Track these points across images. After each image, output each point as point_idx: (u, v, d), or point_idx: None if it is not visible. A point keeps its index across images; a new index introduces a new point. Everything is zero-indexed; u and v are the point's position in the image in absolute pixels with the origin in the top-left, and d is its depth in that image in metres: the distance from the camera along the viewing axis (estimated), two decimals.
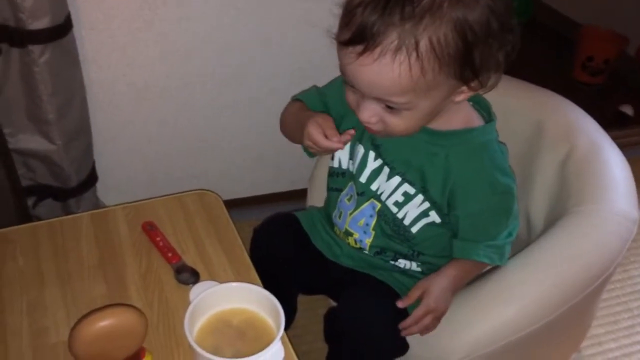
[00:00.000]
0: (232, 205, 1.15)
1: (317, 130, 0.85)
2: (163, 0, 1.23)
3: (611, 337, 1.42)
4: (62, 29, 1.10)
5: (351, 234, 0.98)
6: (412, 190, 0.90)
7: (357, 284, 0.96)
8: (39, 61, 1.09)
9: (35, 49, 1.08)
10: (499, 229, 0.90)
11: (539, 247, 0.93)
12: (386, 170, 0.91)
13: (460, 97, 0.80)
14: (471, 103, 0.89)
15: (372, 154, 0.92)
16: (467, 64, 0.73)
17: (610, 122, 2.14)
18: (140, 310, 0.78)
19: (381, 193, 0.93)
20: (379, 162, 0.92)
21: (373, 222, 0.95)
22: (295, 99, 1.01)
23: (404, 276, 0.97)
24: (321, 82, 1.43)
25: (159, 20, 1.25)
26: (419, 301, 0.94)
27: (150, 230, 0.96)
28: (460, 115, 0.86)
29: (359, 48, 0.70)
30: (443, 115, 0.83)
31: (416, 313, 0.88)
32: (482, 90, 0.79)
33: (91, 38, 1.23)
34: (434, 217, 0.91)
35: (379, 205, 0.94)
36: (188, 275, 0.89)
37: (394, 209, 0.92)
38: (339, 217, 1.00)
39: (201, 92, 1.41)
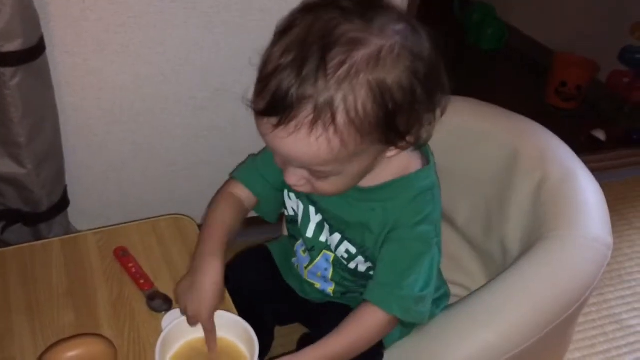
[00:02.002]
0: None
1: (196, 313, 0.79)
2: (138, 23, 1.23)
3: None
4: (35, 52, 1.09)
5: (312, 284, 0.98)
6: (353, 250, 0.88)
7: (329, 314, 0.95)
8: (10, 84, 1.07)
9: (7, 71, 1.06)
10: (408, 276, 0.82)
11: (516, 272, 0.93)
12: (327, 226, 0.90)
13: (392, 153, 0.77)
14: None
15: (312, 209, 0.90)
16: (391, 129, 0.70)
17: (583, 147, 2.18)
18: (109, 340, 0.77)
19: (330, 244, 0.91)
20: (320, 216, 0.90)
21: (330, 273, 0.94)
22: (233, 177, 0.97)
23: None
24: None
25: (134, 43, 1.25)
26: (397, 332, 0.93)
27: (122, 256, 0.95)
28: (393, 166, 0.81)
29: (274, 120, 0.67)
30: (378, 174, 0.80)
31: None
32: (401, 151, 0.76)
33: (64, 61, 1.21)
34: None
35: (332, 256, 0.92)
36: (160, 303, 0.88)
37: (344, 262, 0.91)
38: (297, 267, 1.00)
39: (177, 116, 1.40)
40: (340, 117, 0.65)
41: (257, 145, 1.56)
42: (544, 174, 1.06)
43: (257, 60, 0.75)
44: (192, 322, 0.79)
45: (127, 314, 0.86)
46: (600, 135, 2.33)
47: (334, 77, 0.64)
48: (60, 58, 1.21)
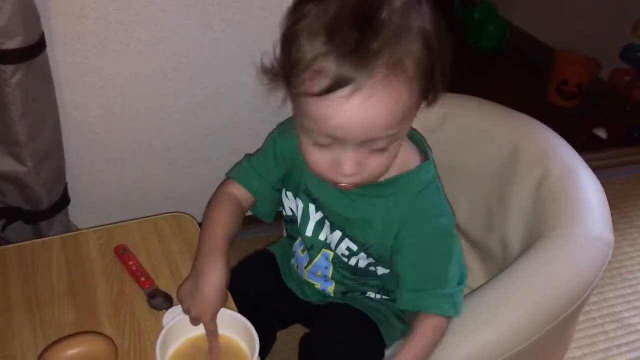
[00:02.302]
0: None
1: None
2: (139, 21, 1.22)
3: None
4: (36, 49, 1.09)
5: (313, 285, 0.98)
6: (354, 247, 0.88)
7: (329, 314, 0.95)
8: (11, 81, 1.07)
9: (7, 69, 1.06)
10: (445, 275, 0.84)
11: (517, 270, 0.93)
12: (328, 224, 0.90)
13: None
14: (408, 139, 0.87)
15: (312, 207, 0.90)
16: (432, 77, 0.71)
17: (585, 146, 2.18)
18: (110, 338, 0.77)
19: (330, 243, 0.91)
20: (321, 214, 0.90)
21: (330, 271, 0.94)
22: (229, 177, 0.97)
23: (376, 303, 0.97)
24: None
25: (135, 41, 1.25)
26: (399, 327, 0.94)
27: (123, 254, 0.95)
28: (401, 160, 0.81)
29: (345, 91, 0.65)
30: None
31: None
32: (425, 109, 0.76)
33: (65, 59, 1.21)
34: (382, 270, 0.91)
35: (332, 254, 0.92)
36: (161, 301, 0.88)
37: (345, 260, 0.91)
38: (297, 268, 1.00)
39: (178, 114, 1.40)
40: (409, 64, 0.67)
41: (258, 144, 1.56)
42: (545, 172, 1.06)
43: (264, 60, 0.75)
44: (195, 323, 0.79)
45: (128, 312, 0.86)
46: (601, 133, 2.32)
47: (390, 28, 0.65)
48: (61, 56, 1.21)
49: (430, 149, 0.88)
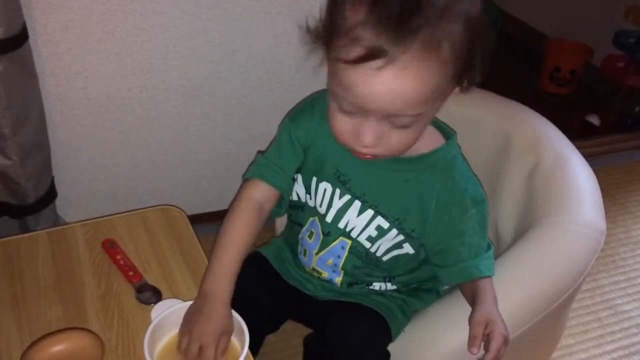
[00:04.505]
0: (197, 220, 1.13)
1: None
2: (123, 10, 1.21)
3: (581, 348, 1.43)
4: (17, 40, 1.07)
5: (320, 273, 0.97)
6: (385, 225, 0.88)
7: (339, 309, 0.94)
8: None
9: None
10: (485, 240, 0.90)
11: (509, 259, 0.93)
12: (357, 204, 0.88)
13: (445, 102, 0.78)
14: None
15: (337, 192, 0.89)
16: (468, 61, 0.71)
17: (577, 132, 2.18)
18: (96, 334, 0.76)
19: (351, 229, 0.90)
20: (347, 197, 0.89)
21: (342, 261, 0.93)
22: (249, 177, 0.93)
23: (381, 297, 0.96)
24: (288, 93, 1.43)
25: (119, 31, 1.23)
26: (402, 321, 0.94)
27: (110, 248, 0.93)
28: (425, 139, 0.82)
29: (377, 63, 0.65)
30: None
31: (497, 347, 0.79)
32: (458, 94, 0.76)
33: (48, 49, 1.19)
34: (407, 249, 0.91)
35: (349, 243, 0.91)
36: (149, 295, 0.87)
37: (367, 244, 0.91)
38: (304, 254, 0.97)
39: (165, 105, 1.38)
40: (446, 46, 0.66)
41: (248, 134, 1.56)
42: (536, 159, 1.06)
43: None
44: (193, 348, 0.76)
45: (116, 307, 0.85)
46: (594, 120, 2.32)
47: (433, 7, 0.65)
48: (44, 47, 1.19)
49: (454, 131, 0.90)
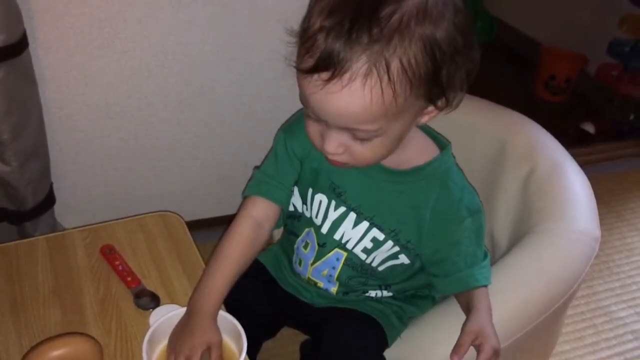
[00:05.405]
0: (195, 226, 1.13)
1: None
2: (123, 17, 1.21)
3: (577, 354, 1.43)
4: (17, 48, 1.07)
5: (315, 282, 0.97)
6: (381, 236, 0.88)
7: (336, 316, 0.94)
8: None
9: None
10: (481, 249, 0.90)
11: (504, 266, 0.93)
12: (352, 216, 0.88)
13: (425, 119, 0.77)
14: (422, 131, 0.88)
15: (333, 203, 0.89)
16: (436, 83, 0.70)
17: (572, 140, 2.19)
18: (94, 339, 0.76)
19: (347, 241, 0.90)
20: (342, 209, 0.89)
21: (337, 272, 0.94)
22: (249, 194, 0.93)
23: (377, 303, 0.96)
24: (285, 101, 1.44)
25: (119, 38, 1.23)
26: (398, 327, 0.94)
27: (108, 254, 0.94)
28: (418, 150, 0.84)
29: (325, 75, 0.65)
30: (401, 154, 0.81)
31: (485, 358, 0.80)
32: (446, 110, 0.76)
33: (48, 56, 1.20)
34: (403, 259, 0.91)
35: (344, 254, 0.91)
36: (148, 300, 0.87)
37: (363, 256, 0.91)
38: (300, 264, 0.97)
39: (164, 111, 1.39)
40: (394, 66, 0.66)
41: (244, 141, 1.56)
42: (531, 167, 1.06)
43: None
44: None
45: (114, 312, 0.86)
46: (589, 128, 2.33)
47: (386, 26, 0.65)
48: (44, 53, 1.19)
49: (449, 141, 0.89)
